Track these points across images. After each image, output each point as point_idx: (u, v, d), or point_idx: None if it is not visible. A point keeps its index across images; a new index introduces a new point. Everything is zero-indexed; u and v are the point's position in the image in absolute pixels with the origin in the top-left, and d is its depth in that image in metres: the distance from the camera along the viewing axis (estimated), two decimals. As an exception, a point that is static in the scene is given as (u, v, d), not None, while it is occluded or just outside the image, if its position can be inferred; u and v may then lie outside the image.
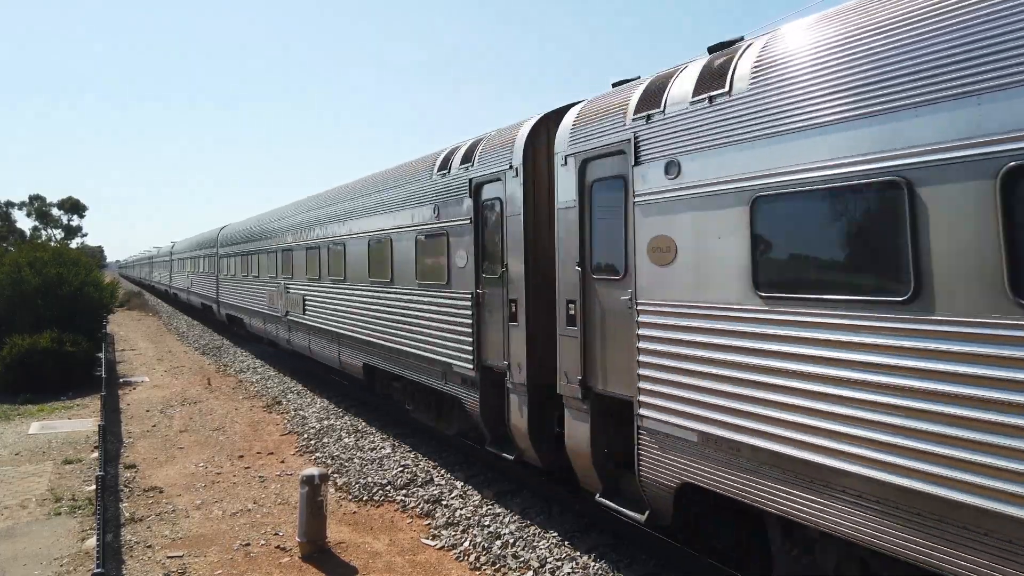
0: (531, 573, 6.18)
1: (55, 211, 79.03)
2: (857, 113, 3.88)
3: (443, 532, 7.17)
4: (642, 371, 5.44)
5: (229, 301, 22.73)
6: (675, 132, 5.18)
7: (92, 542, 6.85)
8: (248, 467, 9.62)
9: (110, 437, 10.93)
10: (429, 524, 7.45)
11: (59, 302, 18.18)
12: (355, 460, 9.62)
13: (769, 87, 4.45)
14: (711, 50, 5.45)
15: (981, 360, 3.32)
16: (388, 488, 8.49)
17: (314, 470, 6.88)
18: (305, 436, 11.08)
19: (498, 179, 7.69)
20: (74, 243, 77.15)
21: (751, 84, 4.58)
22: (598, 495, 6.35)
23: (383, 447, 10.19)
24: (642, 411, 5.47)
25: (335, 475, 9.07)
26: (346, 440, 10.68)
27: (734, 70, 4.76)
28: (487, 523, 7.27)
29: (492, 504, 7.80)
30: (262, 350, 21.14)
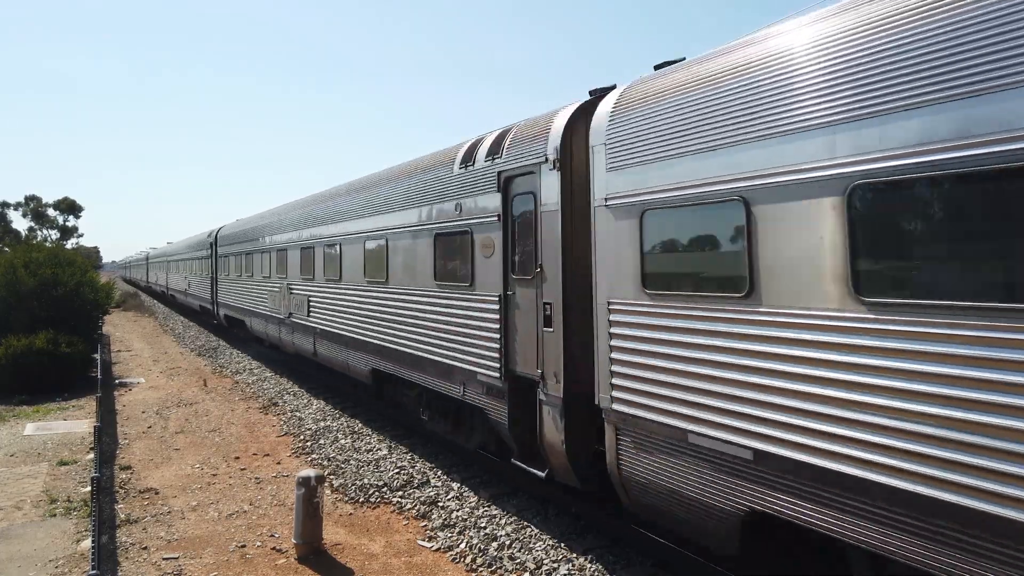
0: (527, 575, 6.18)
1: (51, 212, 78.89)
2: None
3: (439, 534, 7.17)
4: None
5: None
6: None
7: (87, 544, 6.84)
8: (244, 468, 9.60)
9: (106, 438, 10.89)
10: (425, 526, 7.45)
11: (54, 303, 18.12)
12: (352, 461, 9.61)
13: None
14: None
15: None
16: (384, 489, 8.48)
17: (310, 471, 6.87)
18: (301, 437, 11.06)
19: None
20: (70, 244, 77.01)
21: None
22: None
23: (380, 448, 10.18)
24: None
25: (331, 476, 9.06)
26: (343, 441, 10.67)
27: None
28: (483, 525, 7.27)
29: (488, 506, 7.80)
30: (258, 352, 21.10)
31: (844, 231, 3.99)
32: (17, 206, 76.10)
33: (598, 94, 6.84)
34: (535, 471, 7.24)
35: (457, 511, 7.68)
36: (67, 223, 79.94)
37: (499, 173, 7.61)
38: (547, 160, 6.83)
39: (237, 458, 10.10)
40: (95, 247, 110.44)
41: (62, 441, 11.32)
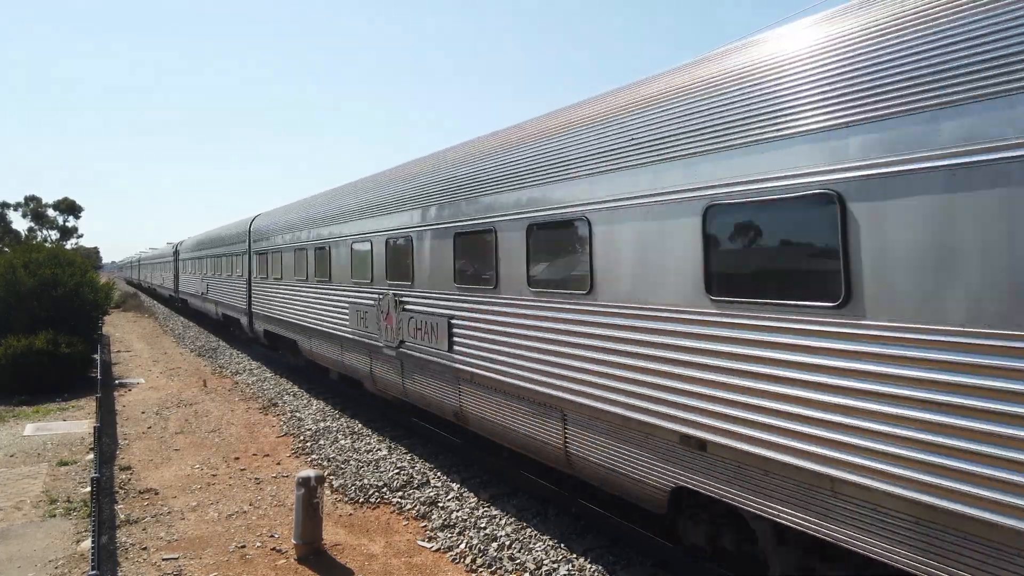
0: (527, 575, 6.18)
1: (51, 212, 78.82)
2: None
3: (439, 534, 7.17)
4: None
5: None
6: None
7: (87, 544, 6.84)
8: (244, 469, 9.60)
9: (105, 439, 10.89)
10: (425, 526, 7.45)
11: (54, 303, 18.12)
12: (351, 462, 9.61)
13: None
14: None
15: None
16: (384, 490, 8.48)
17: (310, 472, 6.87)
18: (301, 438, 11.06)
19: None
20: (70, 244, 76.95)
21: None
22: None
23: (379, 449, 10.18)
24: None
25: (331, 477, 9.06)
26: (343, 442, 10.67)
27: None
28: (483, 525, 7.27)
29: (488, 506, 7.80)
30: (258, 352, 21.10)
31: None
32: (17, 206, 76.00)
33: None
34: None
35: (457, 511, 7.68)
36: (67, 223, 79.85)
37: None
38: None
39: (237, 458, 10.10)
40: (95, 247, 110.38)
41: (62, 441, 11.31)
